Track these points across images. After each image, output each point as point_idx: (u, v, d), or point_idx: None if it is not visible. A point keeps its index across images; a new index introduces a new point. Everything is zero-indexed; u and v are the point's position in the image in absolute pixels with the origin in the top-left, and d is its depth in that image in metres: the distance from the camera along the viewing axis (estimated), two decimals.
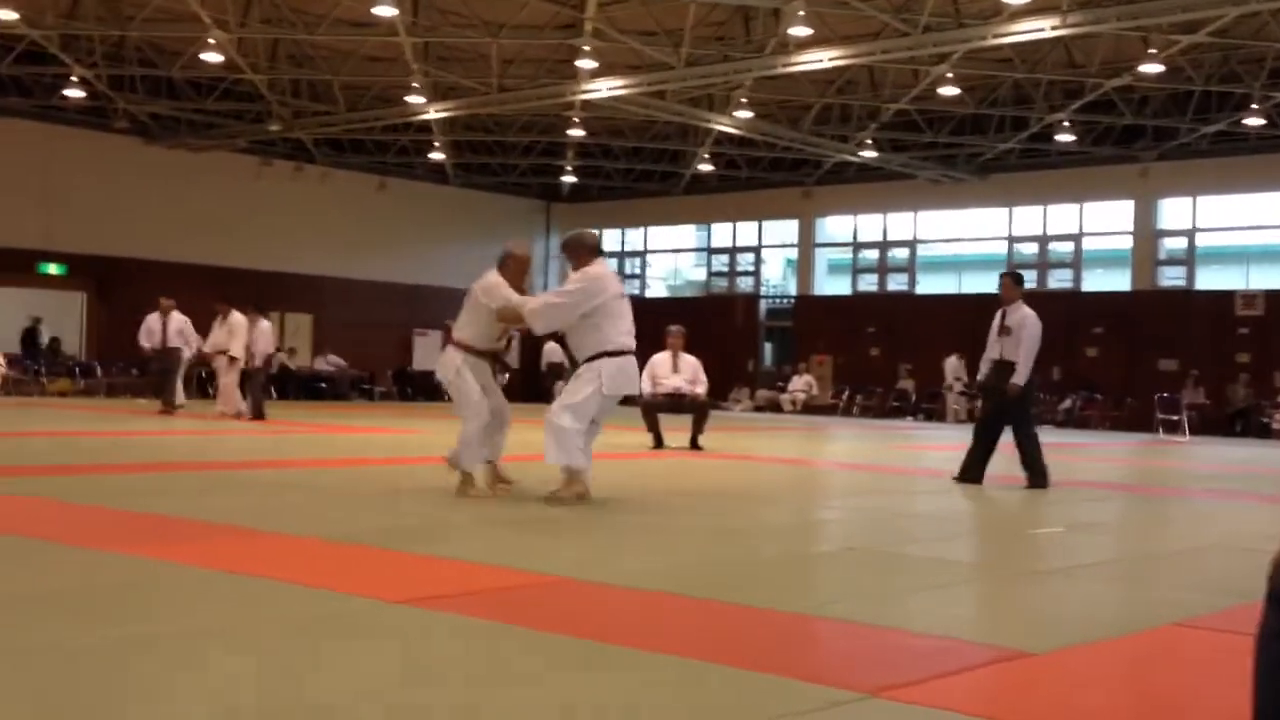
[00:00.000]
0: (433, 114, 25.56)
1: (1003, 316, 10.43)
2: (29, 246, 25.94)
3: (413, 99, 24.93)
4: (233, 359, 18.14)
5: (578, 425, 7.70)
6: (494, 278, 8.24)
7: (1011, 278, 10.73)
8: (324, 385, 28.20)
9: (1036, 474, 10.01)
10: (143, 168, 27.50)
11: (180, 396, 19.27)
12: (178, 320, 18.88)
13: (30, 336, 27.13)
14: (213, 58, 22.49)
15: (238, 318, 18.22)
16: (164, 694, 3.13)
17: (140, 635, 3.79)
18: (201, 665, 3.46)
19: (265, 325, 18.31)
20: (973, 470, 10.24)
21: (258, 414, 17.54)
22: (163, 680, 3.27)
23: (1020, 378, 10.16)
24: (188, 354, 19.00)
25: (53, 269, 26.45)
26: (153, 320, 18.82)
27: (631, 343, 8.00)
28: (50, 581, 4.69)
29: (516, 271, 8.34)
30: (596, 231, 8.38)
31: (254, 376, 18.11)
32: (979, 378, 10.96)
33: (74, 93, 24.46)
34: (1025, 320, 10.29)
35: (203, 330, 19.07)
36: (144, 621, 4.03)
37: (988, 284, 31.32)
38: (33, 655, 3.48)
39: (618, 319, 7.97)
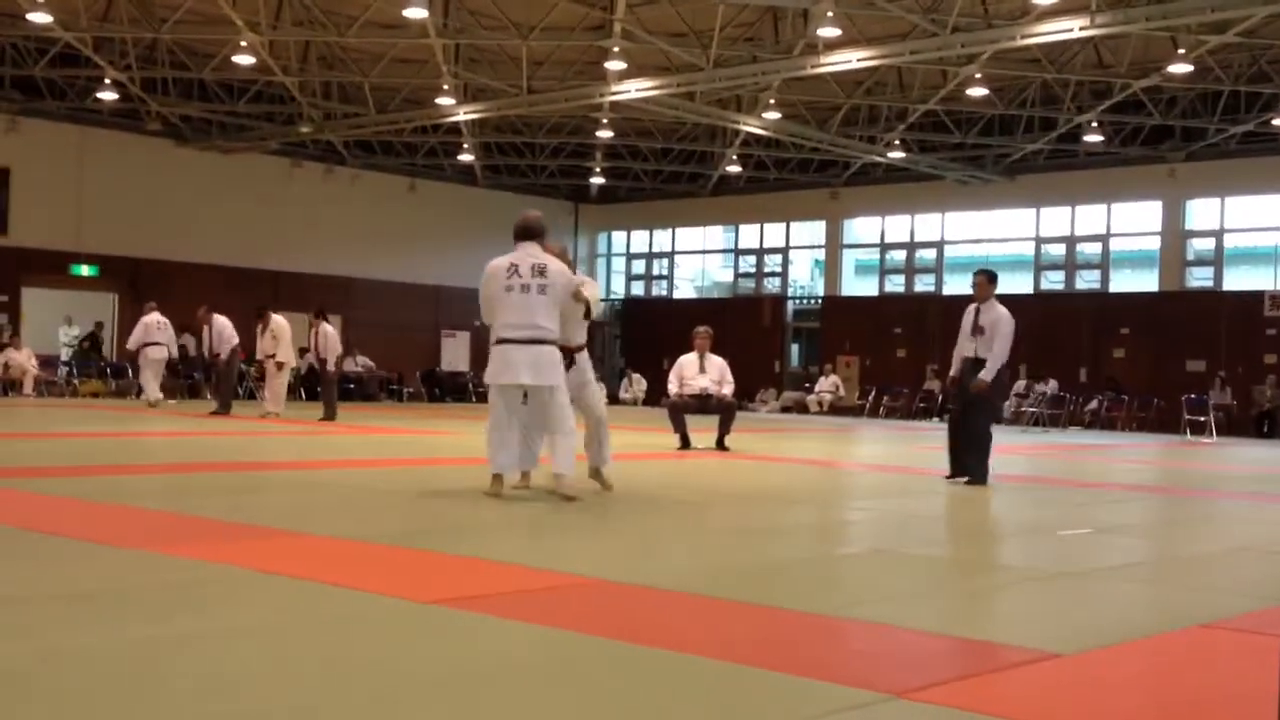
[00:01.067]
0: (462, 116, 25.67)
1: (976, 314, 10.44)
2: (61, 248, 26.18)
3: (442, 101, 25.04)
4: (280, 364, 18.46)
5: (491, 431, 7.90)
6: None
7: (986, 275, 10.73)
8: (353, 386, 28.32)
9: (979, 473, 10.11)
10: (174, 170, 27.71)
11: (157, 394, 19.57)
12: (219, 323, 18.88)
13: (92, 341, 27.36)
14: (244, 60, 22.66)
15: (279, 321, 18.51)
16: (197, 693, 3.20)
17: (173, 635, 3.86)
18: (234, 665, 3.52)
19: (329, 329, 18.48)
20: (960, 462, 10.33)
21: (330, 415, 17.64)
22: (196, 680, 3.34)
23: (988, 374, 10.19)
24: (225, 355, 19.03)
25: (85, 270, 26.67)
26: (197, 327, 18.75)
27: (510, 333, 7.72)
28: (85, 581, 4.76)
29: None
30: (531, 214, 8.13)
31: (327, 379, 18.30)
32: (951, 374, 10.91)
33: (107, 95, 24.67)
34: (999, 319, 10.29)
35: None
36: (177, 621, 4.10)
37: (1015, 285, 31.36)
38: (68, 655, 3.54)
39: (500, 310, 7.78)
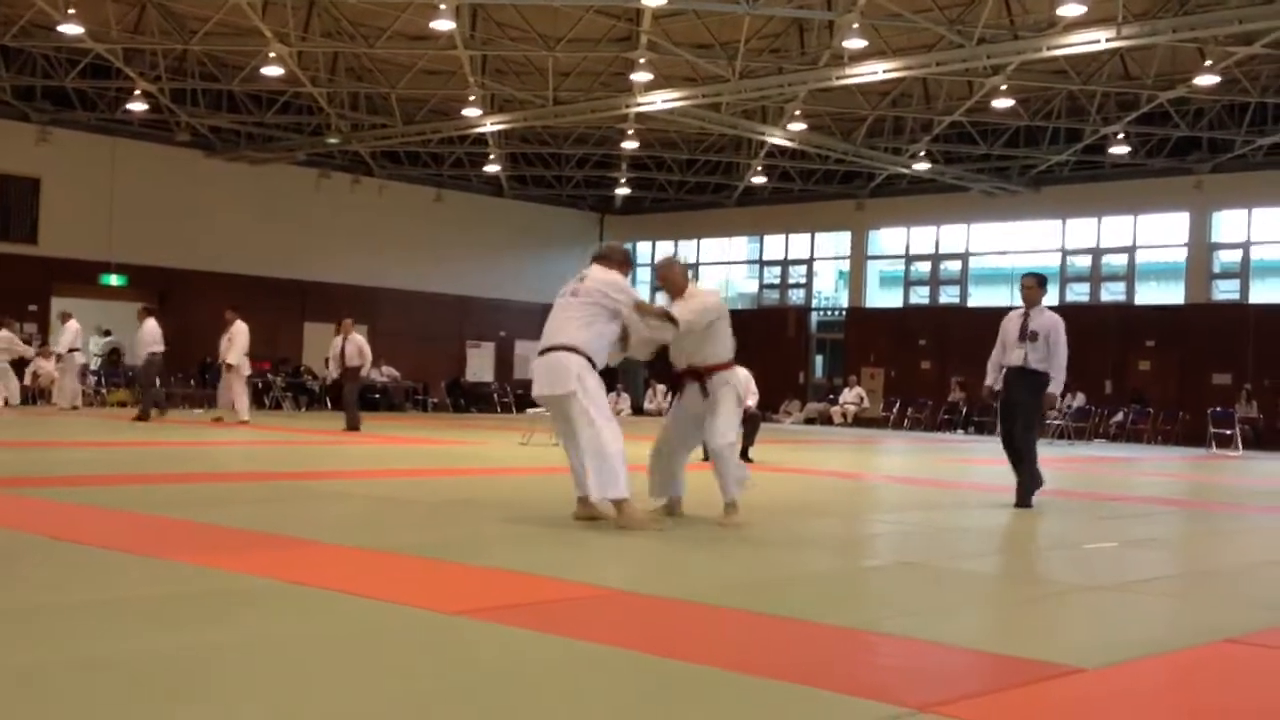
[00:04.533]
0: (489, 126, 25.78)
1: (1025, 319, 9.87)
2: (92, 257, 26.37)
3: (469, 112, 25.15)
4: (229, 366, 18.76)
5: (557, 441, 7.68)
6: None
7: (1035, 279, 10.21)
8: (378, 396, 28.44)
9: (1024, 491, 9.62)
10: (203, 180, 27.89)
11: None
12: (356, 340, 18.64)
13: (114, 355, 27.61)
14: (273, 71, 22.80)
15: (240, 326, 18.79)
16: (222, 702, 3.24)
17: (198, 645, 3.90)
18: (258, 675, 3.55)
19: (359, 338, 18.51)
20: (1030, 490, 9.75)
21: (353, 425, 17.70)
22: (222, 689, 3.37)
23: (1058, 386, 9.74)
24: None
25: (114, 280, 26.86)
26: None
27: (545, 342, 7.33)
28: (110, 590, 4.81)
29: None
30: (610, 245, 7.83)
31: (349, 388, 18.31)
32: (990, 384, 10.24)
33: (137, 106, 24.87)
34: (1055, 325, 9.77)
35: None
36: (201, 631, 4.13)
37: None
38: (93, 664, 3.58)
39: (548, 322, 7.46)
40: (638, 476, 7.44)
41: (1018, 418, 9.84)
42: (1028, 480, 9.64)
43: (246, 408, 19.09)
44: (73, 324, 21.15)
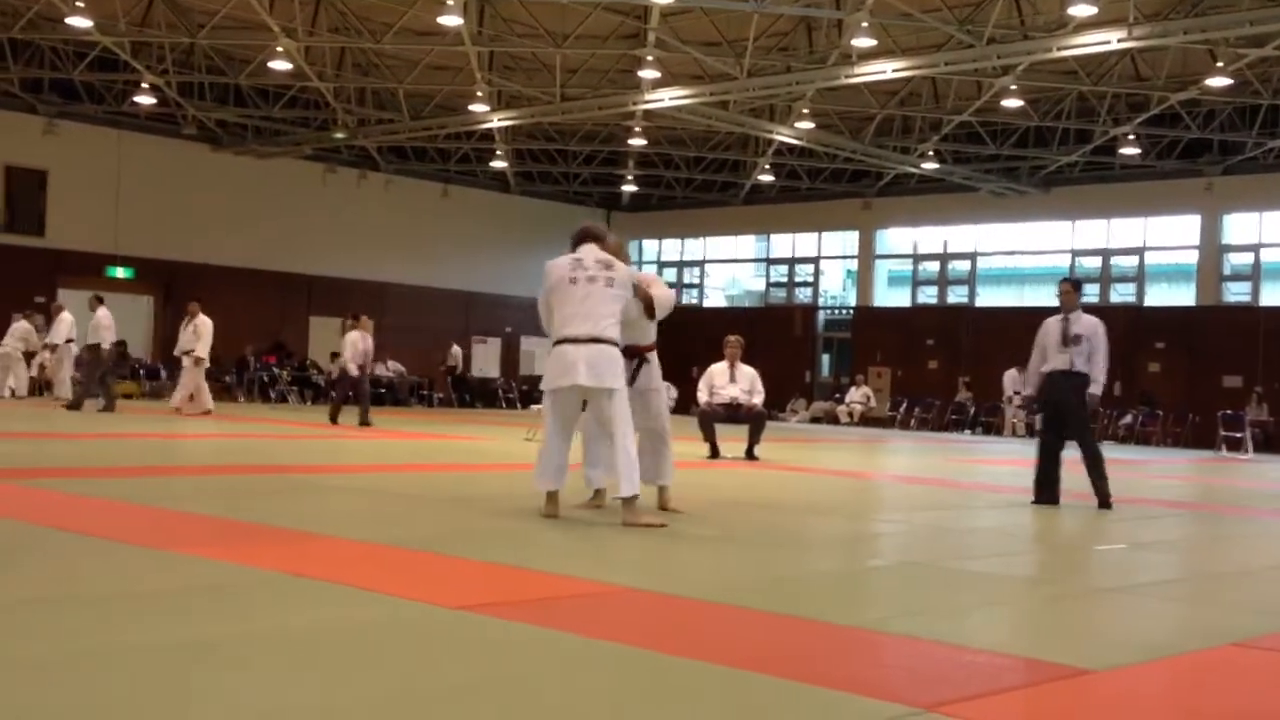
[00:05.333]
0: (496, 122, 25.78)
1: (1066, 324, 9.86)
2: (98, 250, 26.40)
3: (476, 107, 25.15)
4: (199, 359, 18.82)
5: (546, 440, 7.34)
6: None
7: (1072, 283, 10.25)
8: (383, 391, 28.44)
9: (1103, 492, 9.63)
10: (210, 174, 27.92)
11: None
12: (97, 316, 18.90)
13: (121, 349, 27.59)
14: (280, 65, 22.82)
15: (204, 318, 18.86)
16: (225, 694, 3.21)
17: (202, 637, 3.87)
18: (262, 667, 3.53)
19: (367, 334, 18.46)
20: (1049, 490, 9.77)
21: (365, 421, 17.61)
22: (225, 681, 3.34)
23: (1098, 388, 9.75)
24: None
25: (120, 272, 26.89)
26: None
27: (569, 329, 7.06)
28: (114, 583, 4.79)
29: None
30: (587, 222, 7.76)
31: (360, 383, 18.21)
32: (1028, 390, 10.35)
33: (144, 99, 24.90)
34: (1096, 328, 9.80)
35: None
36: (206, 624, 4.11)
37: (1049, 298, 31.08)
38: (94, 656, 3.56)
39: (561, 305, 7.15)
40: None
41: (1071, 423, 9.84)
42: (1100, 478, 9.65)
43: (209, 398, 19.22)
44: (66, 315, 21.19)
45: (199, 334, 18.95)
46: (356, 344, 17.96)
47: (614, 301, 7.13)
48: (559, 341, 7.10)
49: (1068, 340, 9.79)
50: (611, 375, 7.00)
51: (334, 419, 17.78)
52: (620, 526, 6.93)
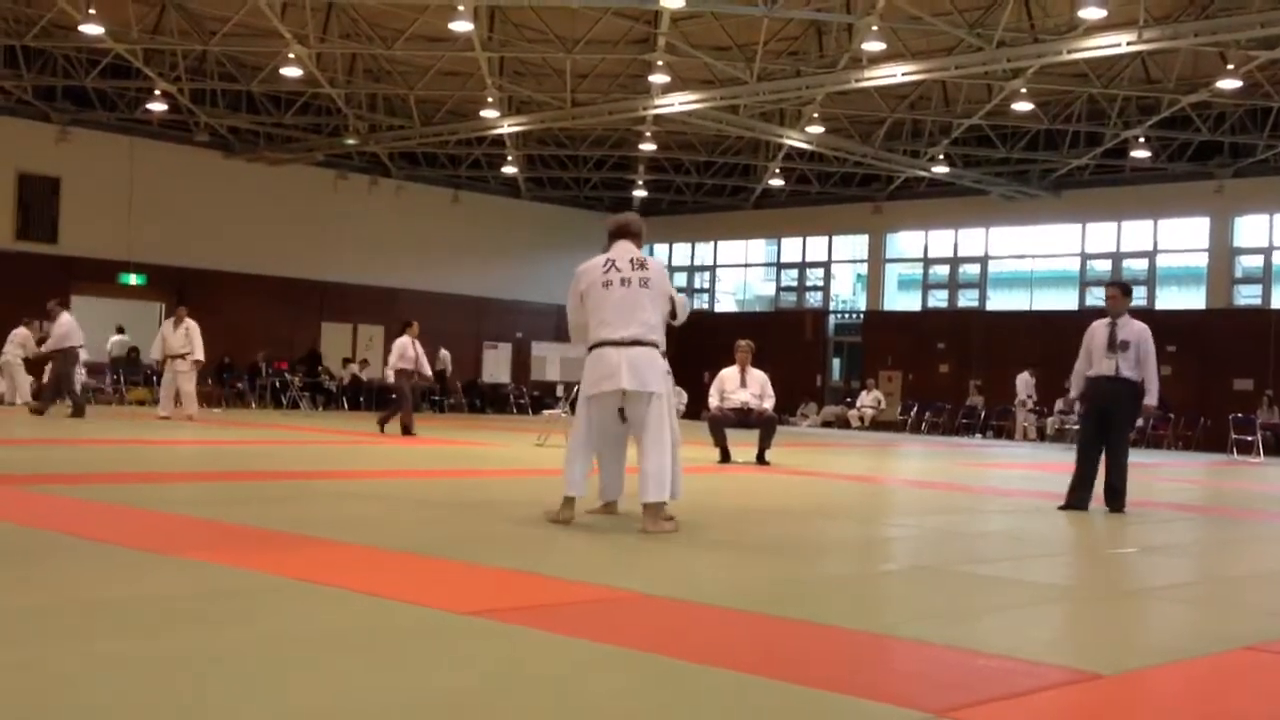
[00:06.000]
0: (506, 128, 25.83)
1: (1113, 329, 9.77)
2: (111, 257, 26.49)
3: (487, 113, 25.20)
4: (198, 362, 19.00)
5: (574, 447, 7.14)
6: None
7: (1120, 288, 10.14)
8: (394, 397, 28.44)
9: (1121, 498, 9.65)
10: (222, 180, 28.01)
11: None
12: (61, 320, 18.98)
13: (134, 355, 27.69)
14: (292, 72, 22.89)
15: (193, 322, 19.02)
16: (234, 701, 3.22)
17: (213, 644, 3.89)
18: (272, 673, 3.55)
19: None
20: (1083, 495, 9.69)
21: (407, 430, 17.40)
22: (235, 688, 3.36)
23: (1154, 397, 9.74)
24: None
25: (133, 279, 26.99)
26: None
27: (609, 332, 6.86)
28: (125, 588, 4.81)
29: None
30: (628, 214, 7.48)
31: (405, 394, 17.95)
32: (1073, 392, 10.23)
33: (156, 106, 25.01)
34: (1144, 334, 9.71)
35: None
36: (217, 631, 4.12)
37: (1060, 301, 31.24)
38: (103, 662, 3.57)
39: (598, 309, 6.93)
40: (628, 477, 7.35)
41: (1114, 427, 9.78)
42: (1121, 484, 9.66)
43: (195, 403, 19.30)
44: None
45: (192, 337, 18.99)
46: (407, 350, 17.58)
47: (652, 302, 6.93)
48: (598, 345, 6.88)
49: (1114, 345, 9.70)
50: (655, 379, 6.83)
51: (407, 429, 17.34)
52: (633, 532, 6.92)
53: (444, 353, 30.14)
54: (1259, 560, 7.74)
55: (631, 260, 6.97)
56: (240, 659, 3.66)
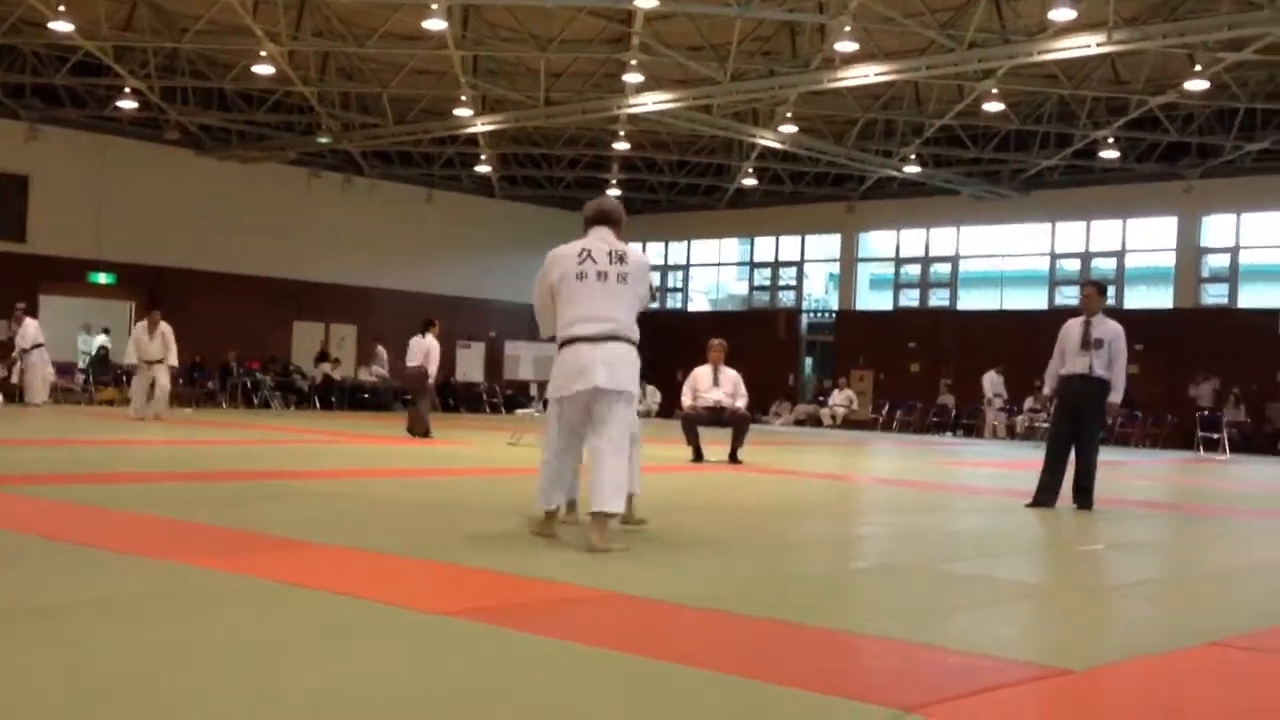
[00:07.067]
0: (480, 127, 25.78)
1: (1087, 327, 9.76)
2: (80, 255, 26.32)
3: (460, 112, 25.15)
4: (171, 367, 19.11)
5: (545, 456, 6.61)
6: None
7: (1096, 287, 10.17)
8: (367, 396, 28.41)
9: (1089, 495, 9.74)
10: (193, 178, 27.86)
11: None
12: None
13: (103, 354, 27.54)
14: (264, 70, 22.80)
15: (167, 326, 19.06)
16: (207, 703, 3.24)
17: (179, 644, 3.90)
18: (245, 676, 3.56)
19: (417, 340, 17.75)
20: (1051, 494, 9.75)
21: (426, 431, 17.20)
22: (207, 690, 3.37)
23: (1118, 395, 9.75)
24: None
25: (103, 278, 26.82)
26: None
27: (582, 329, 6.37)
28: (98, 590, 4.80)
29: None
30: (607, 199, 6.87)
31: (425, 395, 17.76)
32: (1047, 391, 10.28)
33: (127, 103, 24.84)
34: (1118, 334, 9.77)
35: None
36: (183, 631, 4.13)
37: (1030, 300, 31.36)
38: (76, 664, 3.59)
39: (570, 302, 6.43)
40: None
41: (1085, 425, 9.82)
42: (1090, 482, 9.71)
43: (166, 404, 19.34)
44: (31, 321, 21.46)
45: (168, 342, 19.05)
46: (434, 350, 17.25)
47: (627, 300, 6.45)
48: (570, 341, 6.40)
49: (1088, 344, 9.73)
50: (629, 378, 6.39)
51: (427, 431, 17.13)
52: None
53: (380, 350, 29.48)
54: (1225, 557, 7.83)
55: (610, 252, 6.47)
56: (214, 660, 3.67)
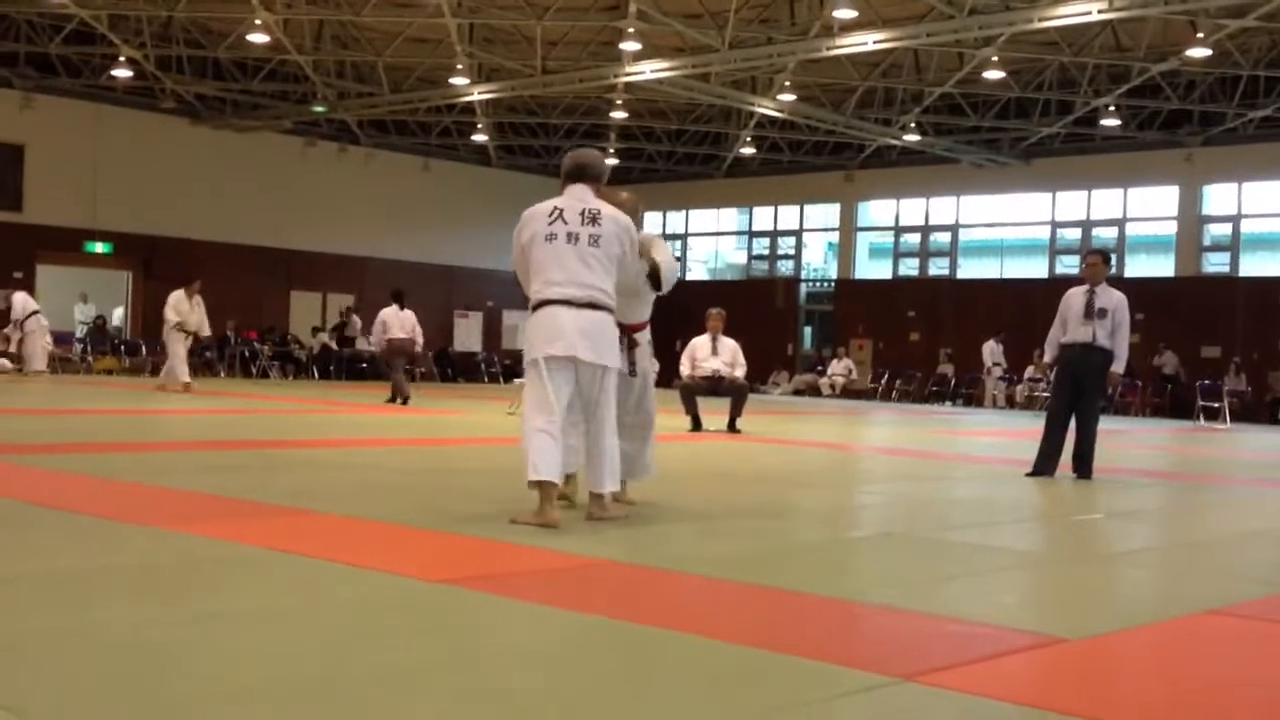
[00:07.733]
0: (476, 96, 25.65)
1: (1091, 296, 9.71)
2: (76, 225, 26.24)
3: (457, 81, 25.03)
4: (205, 337, 19.54)
5: (535, 422, 5.94)
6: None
7: (1101, 255, 10.11)
8: (364, 365, 28.38)
9: (1088, 464, 9.71)
10: (189, 148, 27.74)
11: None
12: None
13: (100, 323, 27.49)
14: (259, 38, 22.65)
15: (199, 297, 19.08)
16: (205, 670, 3.22)
17: (184, 614, 3.88)
18: (243, 643, 3.54)
19: (408, 313, 18.25)
20: (1050, 462, 9.72)
21: (405, 398, 17.49)
22: (206, 658, 3.35)
23: (1120, 365, 9.70)
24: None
25: (99, 248, 26.75)
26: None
27: (554, 290, 5.92)
28: (103, 559, 4.79)
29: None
30: (586, 151, 6.43)
31: (396, 362, 18.18)
32: (1048, 359, 10.19)
33: (121, 73, 24.70)
34: (1122, 303, 9.69)
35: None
36: (189, 600, 4.12)
37: (1030, 269, 31.31)
38: (89, 633, 3.57)
39: (540, 266, 6.00)
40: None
41: (1086, 393, 9.78)
42: (1089, 451, 9.69)
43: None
44: (19, 294, 21.53)
45: (202, 314, 19.15)
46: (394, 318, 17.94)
47: (602, 264, 5.96)
48: (544, 303, 5.96)
49: (1091, 313, 9.68)
50: (610, 352, 5.99)
51: (407, 398, 17.55)
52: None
53: (355, 319, 29.03)
54: (1224, 525, 7.82)
55: (583, 212, 6.00)
56: (209, 629, 3.65)
